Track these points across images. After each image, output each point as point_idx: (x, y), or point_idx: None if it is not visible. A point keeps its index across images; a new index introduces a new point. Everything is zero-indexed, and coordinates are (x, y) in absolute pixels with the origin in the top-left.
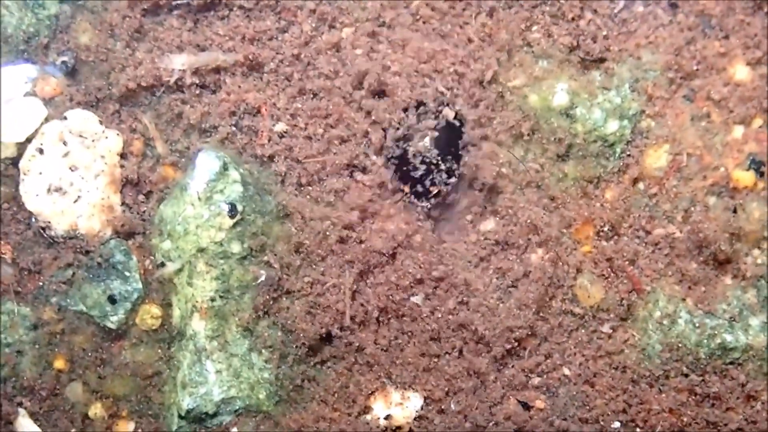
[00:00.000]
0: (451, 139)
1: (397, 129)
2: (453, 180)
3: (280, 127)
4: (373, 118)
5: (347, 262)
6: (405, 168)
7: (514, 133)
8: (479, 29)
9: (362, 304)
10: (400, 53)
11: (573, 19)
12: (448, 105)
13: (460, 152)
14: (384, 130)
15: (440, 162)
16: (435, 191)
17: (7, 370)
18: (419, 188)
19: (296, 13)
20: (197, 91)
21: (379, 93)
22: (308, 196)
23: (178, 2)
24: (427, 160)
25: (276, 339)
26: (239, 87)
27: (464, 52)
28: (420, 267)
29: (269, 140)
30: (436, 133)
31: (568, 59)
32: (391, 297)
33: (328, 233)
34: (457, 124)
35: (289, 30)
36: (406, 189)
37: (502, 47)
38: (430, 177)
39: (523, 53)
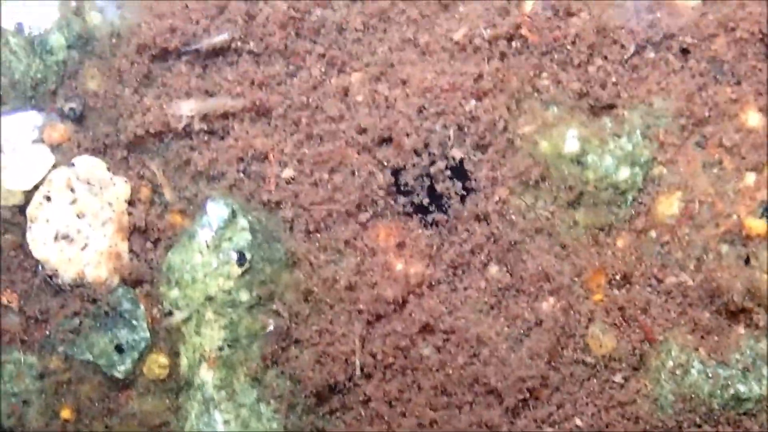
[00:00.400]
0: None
1: (411, 169)
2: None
3: (288, 173)
4: (379, 161)
5: (356, 310)
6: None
7: (524, 180)
8: (492, 73)
9: (371, 355)
10: (407, 96)
11: (581, 65)
12: (454, 148)
13: (466, 195)
14: (394, 173)
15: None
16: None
17: (13, 420)
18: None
19: (305, 57)
20: (205, 138)
21: (387, 139)
22: (316, 243)
23: (187, 48)
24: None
25: (284, 389)
26: (247, 133)
27: (474, 97)
28: (430, 316)
29: (277, 186)
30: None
31: (578, 105)
32: (399, 348)
33: (336, 280)
34: (465, 167)
35: (297, 75)
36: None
37: (512, 94)
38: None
39: (533, 100)
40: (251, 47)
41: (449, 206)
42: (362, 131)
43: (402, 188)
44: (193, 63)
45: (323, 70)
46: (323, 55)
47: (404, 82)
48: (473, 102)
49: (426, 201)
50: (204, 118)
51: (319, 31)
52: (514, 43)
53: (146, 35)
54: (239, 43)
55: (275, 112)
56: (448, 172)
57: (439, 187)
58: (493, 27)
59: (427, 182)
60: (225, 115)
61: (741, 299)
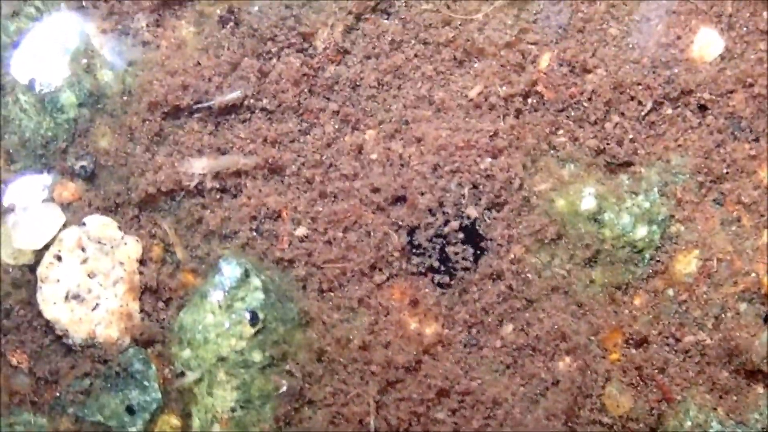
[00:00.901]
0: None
1: (425, 229)
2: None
3: (301, 231)
4: (394, 221)
5: (370, 371)
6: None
7: (539, 238)
8: (508, 130)
9: (385, 419)
10: (421, 154)
11: (598, 122)
12: (468, 207)
13: (480, 255)
14: (409, 233)
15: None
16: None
17: None
18: (443, 277)
19: (318, 115)
20: (217, 196)
21: (401, 198)
22: (330, 302)
23: (200, 106)
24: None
25: None
26: (260, 191)
27: (490, 155)
28: (445, 378)
29: (290, 245)
30: (461, 235)
31: (595, 163)
32: (414, 411)
33: (350, 339)
34: (478, 227)
35: (311, 132)
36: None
37: (528, 152)
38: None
39: (549, 157)
40: (264, 104)
41: (459, 269)
42: (376, 190)
43: (415, 249)
44: (205, 120)
45: (337, 127)
46: (337, 112)
47: (419, 140)
48: (488, 160)
49: (437, 264)
50: (216, 176)
51: (333, 88)
52: (529, 100)
53: (158, 93)
54: (252, 101)
55: (288, 169)
56: (461, 235)
57: (450, 250)
58: (509, 84)
59: (439, 243)
60: (237, 173)
61: (759, 360)
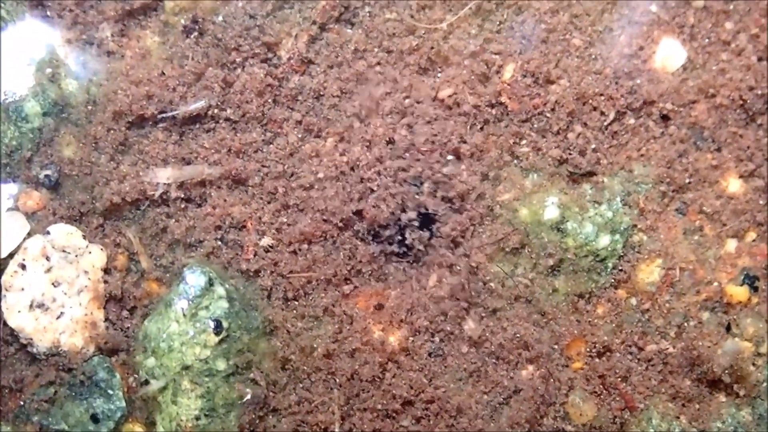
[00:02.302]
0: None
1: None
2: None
3: (266, 241)
4: (356, 231)
5: (335, 379)
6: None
7: (502, 247)
8: (473, 144)
9: (350, 427)
10: (383, 162)
11: (560, 132)
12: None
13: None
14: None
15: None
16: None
17: None
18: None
19: (282, 124)
20: (182, 205)
21: (358, 212)
22: (294, 311)
23: (164, 115)
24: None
25: None
26: (224, 201)
27: (451, 165)
28: (410, 387)
29: (255, 255)
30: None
31: (558, 172)
32: (379, 419)
33: (314, 348)
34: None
35: (274, 142)
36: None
37: (491, 163)
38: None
39: (513, 167)
40: (228, 114)
41: (417, 251)
42: (338, 198)
43: (375, 239)
44: (169, 130)
45: (300, 136)
46: (300, 122)
47: (380, 144)
48: (451, 166)
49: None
50: (181, 185)
51: (297, 98)
52: (493, 111)
53: (122, 102)
54: (216, 110)
55: (252, 180)
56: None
57: (410, 237)
58: (474, 94)
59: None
60: (202, 183)
61: (721, 370)
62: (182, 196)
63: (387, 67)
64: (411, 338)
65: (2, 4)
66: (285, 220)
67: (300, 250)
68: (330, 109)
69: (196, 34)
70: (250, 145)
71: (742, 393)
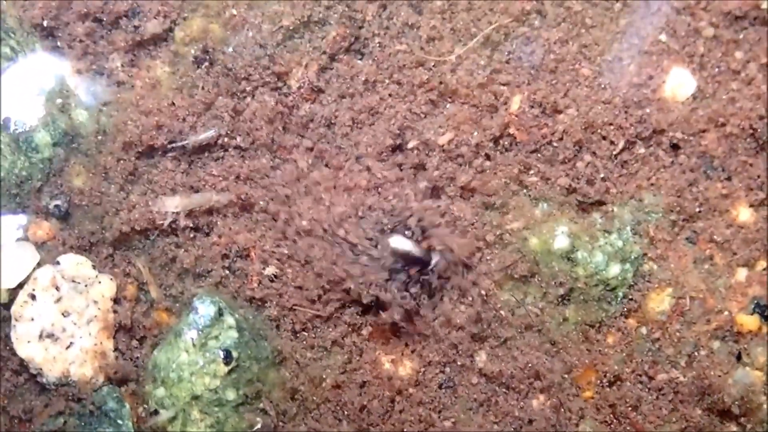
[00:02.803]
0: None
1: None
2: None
3: (271, 270)
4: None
5: (344, 411)
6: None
7: (512, 276)
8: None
9: None
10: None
11: (569, 161)
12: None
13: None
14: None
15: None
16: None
17: None
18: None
19: (291, 151)
20: (191, 235)
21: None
22: (303, 342)
23: (174, 145)
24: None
25: None
26: (230, 229)
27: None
28: (419, 420)
29: (260, 284)
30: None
31: (567, 202)
32: None
33: (324, 378)
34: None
35: (281, 168)
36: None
37: (495, 191)
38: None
39: (522, 196)
40: (238, 143)
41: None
42: (338, 228)
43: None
44: (179, 159)
45: (311, 162)
46: (311, 149)
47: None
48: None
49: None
50: (189, 214)
51: (308, 126)
52: (502, 141)
53: (132, 132)
54: (226, 139)
55: (257, 206)
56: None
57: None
58: (481, 129)
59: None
60: (210, 211)
61: (731, 401)
62: (191, 225)
63: (396, 99)
64: (421, 370)
65: (12, 35)
66: (286, 251)
67: (304, 281)
68: (342, 138)
69: (206, 64)
70: (257, 172)
71: (749, 426)
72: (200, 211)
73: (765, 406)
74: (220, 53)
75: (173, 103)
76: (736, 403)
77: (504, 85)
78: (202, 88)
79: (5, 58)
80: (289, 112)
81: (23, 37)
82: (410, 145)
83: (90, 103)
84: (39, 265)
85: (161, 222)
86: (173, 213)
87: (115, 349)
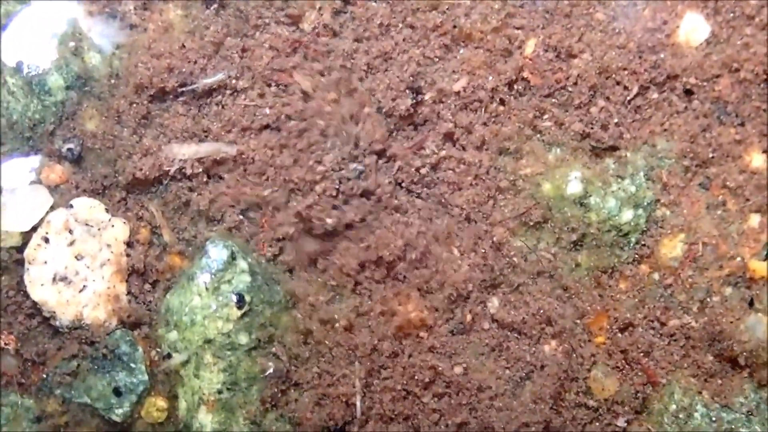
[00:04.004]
0: None
1: None
2: None
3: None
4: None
5: (355, 353)
6: None
7: (525, 221)
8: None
9: (370, 405)
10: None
11: (583, 106)
12: None
13: None
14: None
15: None
16: None
17: None
18: None
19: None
20: (204, 179)
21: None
22: (315, 284)
23: (184, 89)
24: None
25: None
26: (238, 181)
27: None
28: (430, 367)
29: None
30: None
31: (580, 147)
32: (400, 396)
33: (336, 320)
34: None
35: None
36: None
37: (510, 137)
38: None
39: (535, 141)
40: (245, 84)
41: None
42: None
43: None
44: (189, 103)
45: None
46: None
47: None
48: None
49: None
50: (201, 160)
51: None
52: (516, 86)
53: (144, 75)
54: (234, 80)
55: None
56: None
57: None
58: (496, 75)
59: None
60: (220, 161)
61: (741, 348)
62: (203, 170)
63: (410, 44)
64: (433, 313)
65: None
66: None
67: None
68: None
69: (215, 6)
70: (267, 116)
71: (757, 378)
72: (210, 160)
73: None
74: None
75: (183, 46)
76: (744, 355)
77: (518, 29)
78: (212, 29)
79: (18, 1)
80: (305, 45)
81: None
82: (427, 95)
83: (103, 46)
84: (52, 208)
85: (174, 167)
86: (186, 158)
87: (128, 293)
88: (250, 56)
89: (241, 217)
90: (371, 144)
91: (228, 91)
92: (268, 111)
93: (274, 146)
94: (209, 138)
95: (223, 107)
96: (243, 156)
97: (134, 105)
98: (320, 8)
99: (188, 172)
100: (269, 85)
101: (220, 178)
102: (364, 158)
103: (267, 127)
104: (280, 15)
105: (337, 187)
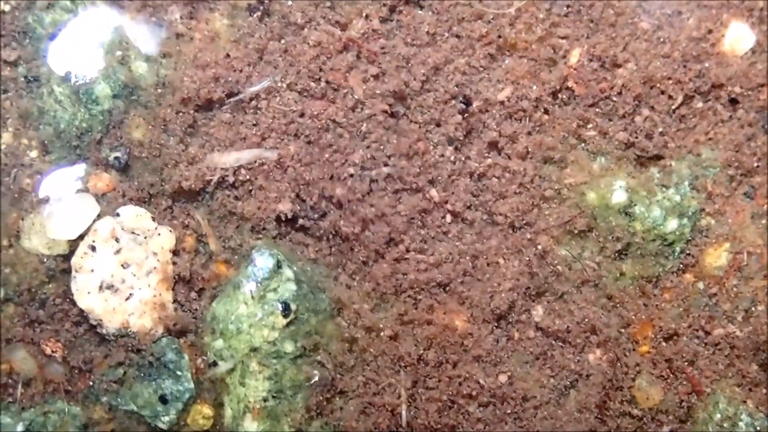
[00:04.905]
0: None
1: None
2: None
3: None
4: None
5: (401, 362)
6: None
7: (569, 230)
8: (533, 126)
9: (415, 415)
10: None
11: (627, 115)
12: None
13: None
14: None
15: None
16: None
17: None
18: None
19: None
20: (249, 188)
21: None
22: (360, 292)
23: (231, 99)
24: None
25: None
26: (278, 188)
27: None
28: (476, 380)
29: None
30: None
31: (625, 156)
32: (446, 405)
33: (381, 329)
34: None
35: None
36: None
37: (554, 146)
38: None
39: (580, 150)
40: (289, 90)
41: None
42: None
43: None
44: (234, 112)
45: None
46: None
47: None
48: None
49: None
50: (247, 167)
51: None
52: (560, 95)
53: (190, 86)
54: (280, 83)
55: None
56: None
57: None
58: (541, 84)
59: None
60: (268, 164)
61: None
62: (249, 177)
63: (456, 53)
64: (477, 322)
65: None
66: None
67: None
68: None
69: (259, 13)
70: (314, 120)
71: None
72: (258, 165)
73: None
74: (277, 3)
75: (228, 55)
76: None
77: (563, 38)
78: (256, 36)
79: (65, 10)
80: (357, 45)
81: None
82: (474, 104)
83: (149, 55)
84: (99, 216)
85: (220, 175)
86: (231, 166)
87: (174, 301)
88: (295, 61)
89: (285, 225)
90: (418, 152)
91: (272, 96)
92: (309, 120)
93: (316, 152)
94: (251, 144)
95: (263, 113)
96: (284, 161)
97: (180, 114)
98: (367, 15)
99: (231, 179)
100: (313, 90)
101: (264, 185)
102: (406, 166)
103: (310, 132)
104: (328, 23)
105: (385, 195)
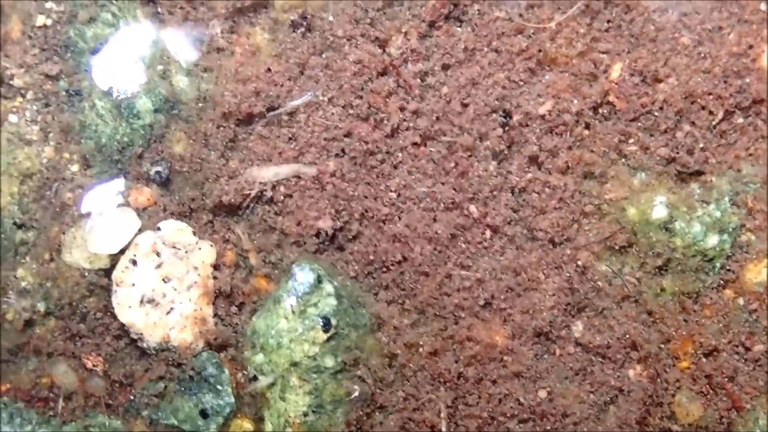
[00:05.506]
0: None
1: None
2: None
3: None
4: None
5: (441, 378)
6: None
7: (609, 245)
8: (574, 141)
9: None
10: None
11: (668, 131)
12: None
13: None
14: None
15: None
16: None
17: None
18: None
19: (386, 101)
20: (288, 202)
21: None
22: (400, 308)
23: (272, 113)
24: None
25: None
26: (317, 204)
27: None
28: (515, 397)
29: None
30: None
31: (666, 171)
32: (485, 422)
33: (421, 345)
34: None
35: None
36: None
37: (595, 161)
38: None
39: (620, 165)
40: (337, 102)
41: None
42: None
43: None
44: (273, 126)
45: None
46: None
47: None
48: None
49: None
50: (288, 182)
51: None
52: (601, 110)
53: (231, 100)
54: (321, 97)
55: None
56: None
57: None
58: (582, 99)
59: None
60: (308, 179)
61: None
62: (290, 192)
63: (495, 67)
64: (517, 338)
65: (113, 2)
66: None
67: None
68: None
69: (302, 29)
70: (354, 136)
71: None
72: (299, 179)
73: None
74: (318, 19)
75: (269, 69)
76: None
77: (604, 53)
78: (298, 51)
79: (106, 24)
80: (395, 67)
81: (124, 4)
82: (515, 118)
83: (190, 69)
84: (140, 230)
85: (260, 189)
86: (272, 181)
87: (215, 315)
88: (336, 77)
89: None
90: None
91: (312, 111)
92: (349, 139)
93: (358, 170)
94: (289, 159)
95: (302, 127)
96: (323, 177)
97: (221, 128)
98: (406, 33)
99: (270, 194)
100: (356, 107)
101: (302, 202)
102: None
103: (350, 150)
104: (369, 39)
105: (425, 212)
